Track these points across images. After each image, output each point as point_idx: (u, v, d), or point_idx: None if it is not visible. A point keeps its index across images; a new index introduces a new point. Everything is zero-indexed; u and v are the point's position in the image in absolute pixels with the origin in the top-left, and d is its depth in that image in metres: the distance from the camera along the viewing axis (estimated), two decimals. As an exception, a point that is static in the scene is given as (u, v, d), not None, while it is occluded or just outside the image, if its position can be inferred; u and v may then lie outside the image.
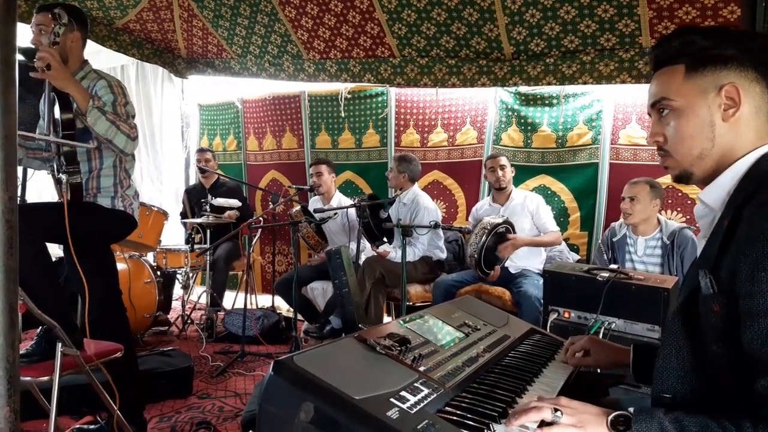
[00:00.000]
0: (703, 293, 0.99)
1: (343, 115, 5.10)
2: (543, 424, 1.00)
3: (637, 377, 1.35)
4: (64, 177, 2.17)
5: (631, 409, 0.96)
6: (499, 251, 3.61)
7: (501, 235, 3.60)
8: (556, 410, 0.98)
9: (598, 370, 1.55)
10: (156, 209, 4.16)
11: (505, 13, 3.54)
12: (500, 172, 3.85)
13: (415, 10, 3.73)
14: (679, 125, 1.09)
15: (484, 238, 3.46)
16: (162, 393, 3.03)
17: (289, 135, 5.45)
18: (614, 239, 3.34)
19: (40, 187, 3.98)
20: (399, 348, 1.20)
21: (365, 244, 4.22)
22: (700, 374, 1.01)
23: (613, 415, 0.97)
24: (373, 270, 3.95)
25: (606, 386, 1.56)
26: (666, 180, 3.81)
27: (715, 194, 1.08)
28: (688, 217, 3.79)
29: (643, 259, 3.21)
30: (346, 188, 5.13)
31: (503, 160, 3.88)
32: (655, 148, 1.17)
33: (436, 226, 3.43)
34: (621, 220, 3.35)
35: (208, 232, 4.60)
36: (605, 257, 3.33)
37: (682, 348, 1.03)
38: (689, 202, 3.78)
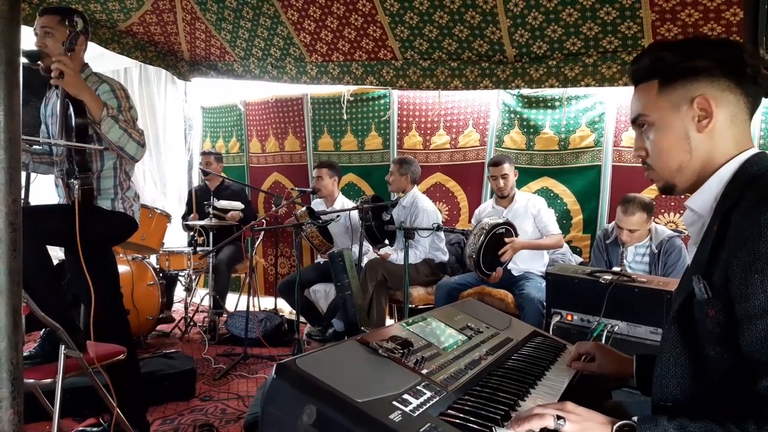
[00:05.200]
0: (698, 299, 1.00)
1: (345, 117, 5.11)
2: (546, 431, 0.99)
3: (641, 388, 1.34)
4: (77, 183, 2.17)
5: (635, 418, 0.96)
6: (500, 256, 3.60)
7: (500, 236, 3.58)
8: (559, 417, 0.98)
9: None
10: (159, 211, 4.17)
11: (507, 16, 3.54)
12: (502, 182, 3.81)
13: (418, 13, 3.73)
14: (657, 139, 1.12)
15: (482, 238, 3.44)
16: (165, 395, 3.03)
17: (292, 137, 5.46)
18: (607, 242, 3.35)
19: (43, 190, 3.99)
20: (401, 351, 1.20)
21: (367, 246, 4.22)
22: (698, 380, 1.02)
23: (618, 424, 0.97)
24: (375, 272, 3.95)
25: (609, 389, 1.55)
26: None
27: (703, 200, 1.09)
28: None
29: (632, 265, 3.22)
30: (349, 190, 5.13)
31: (506, 168, 3.80)
32: (640, 162, 1.19)
33: (438, 228, 3.42)
34: (614, 222, 3.36)
35: (211, 234, 4.60)
36: (603, 258, 3.34)
37: (680, 355, 1.04)
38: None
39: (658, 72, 1.11)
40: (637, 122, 1.16)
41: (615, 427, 0.97)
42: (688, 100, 1.07)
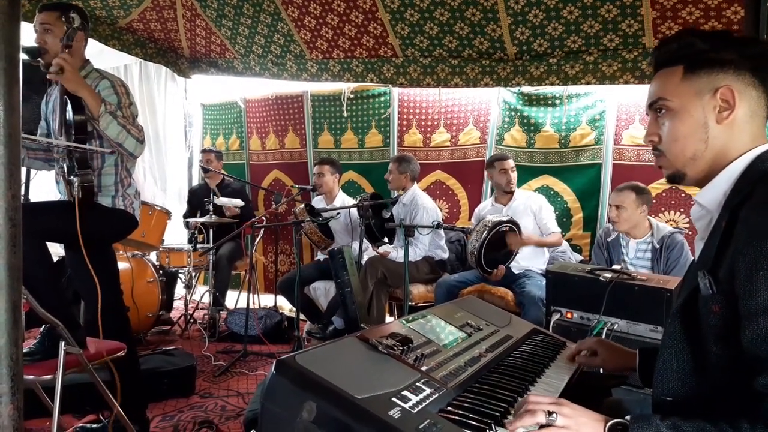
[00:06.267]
0: (703, 294, 0.99)
1: (345, 114, 5.11)
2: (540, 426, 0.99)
3: (644, 381, 1.34)
4: (76, 180, 2.17)
5: (628, 417, 0.96)
6: (508, 238, 3.58)
7: (503, 234, 3.58)
8: (550, 413, 0.98)
9: (601, 371, 1.54)
10: (159, 208, 4.17)
11: (508, 14, 3.54)
12: (512, 174, 3.86)
13: (418, 10, 3.73)
14: (673, 125, 1.10)
15: (485, 234, 3.44)
16: (165, 392, 3.03)
17: (292, 135, 5.46)
18: (609, 239, 3.35)
19: (44, 186, 3.99)
20: (401, 348, 1.20)
21: (367, 244, 4.22)
22: (700, 376, 1.01)
23: (612, 422, 0.97)
24: (375, 270, 3.95)
25: (608, 387, 1.55)
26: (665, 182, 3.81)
27: (711, 195, 1.08)
28: (691, 218, 3.78)
29: (633, 261, 3.22)
30: (349, 188, 5.13)
31: (512, 162, 3.89)
32: (651, 147, 1.17)
33: (438, 226, 3.42)
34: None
35: (211, 231, 4.61)
36: (603, 256, 3.34)
37: (682, 350, 1.03)
38: (691, 203, 3.76)
39: (684, 58, 1.09)
40: (655, 106, 1.14)
41: (608, 425, 0.97)
42: (711, 89, 1.06)
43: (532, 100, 4.33)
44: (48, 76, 2.16)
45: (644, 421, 0.94)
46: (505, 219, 3.59)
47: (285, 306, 4.93)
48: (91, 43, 2.57)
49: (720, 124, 1.06)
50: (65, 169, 2.28)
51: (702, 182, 1.11)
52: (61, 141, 2.24)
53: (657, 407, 1.06)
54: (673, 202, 3.84)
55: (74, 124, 2.17)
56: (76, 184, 2.16)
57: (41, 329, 2.11)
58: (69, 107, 2.17)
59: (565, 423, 0.97)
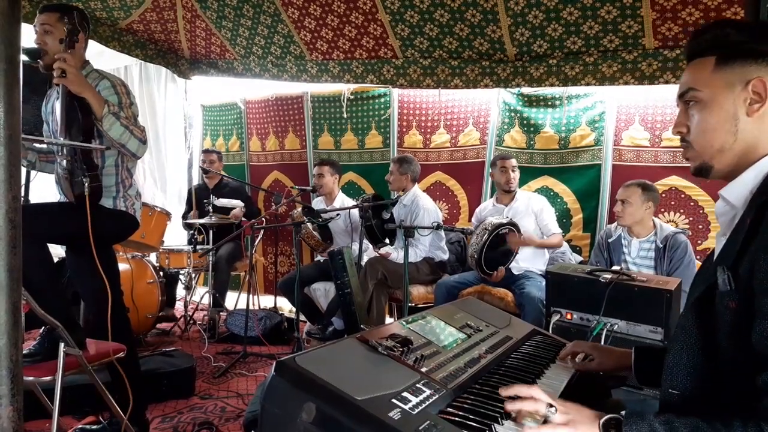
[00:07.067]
0: (721, 290, 0.99)
1: (345, 116, 5.11)
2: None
3: (639, 379, 1.35)
4: (86, 181, 2.17)
5: (623, 412, 0.97)
6: (508, 241, 3.60)
7: (503, 236, 3.58)
8: (550, 405, 1.00)
9: (600, 372, 1.54)
10: (159, 210, 4.17)
11: (508, 15, 3.54)
12: (512, 174, 3.88)
13: (418, 12, 3.73)
14: (703, 117, 1.09)
15: (485, 237, 3.45)
16: (164, 393, 3.03)
17: (292, 136, 5.46)
18: (610, 240, 3.35)
19: (45, 189, 3.99)
20: (401, 349, 1.20)
21: (367, 245, 4.22)
22: (709, 371, 1.01)
23: (605, 418, 0.98)
24: (375, 271, 3.95)
25: (608, 387, 1.55)
26: (667, 182, 3.81)
27: (738, 192, 1.07)
28: (691, 218, 3.78)
29: (636, 261, 3.22)
30: (349, 189, 5.13)
31: (514, 162, 3.92)
32: (678, 139, 1.16)
33: (438, 227, 3.43)
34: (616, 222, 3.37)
35: (211, 232, 4.61)
36: (603, 257, 3.34)
37: (694, 344, 1.03)
38: (692, 204, 3.78)
39: (717, 48, 1.08)
40: (685, 97, 1.13)
41: (602, 420, 0.98)
42: (743, 81, 1.05)
43: (531, 101, 4.33)
44: (54, 81, 2.16)
45: (638, 417, 0.95)
46: (504, 221, 3.60)
47: (285, 307, 4.93)
48: (92, 44, 2.57)
49: (750, 116, 1.05)
50: (68, 170, 2.28)
51: (729, 176, 1.09)
52: (64, 141, 2.23)
53: (664, 401, 1.06)
54: (673, 203, 3.84)
55: (82, 127, 2.17)
56: (87, 185, 2.16)
57: (41, 330, 2.11)
58: (77, 110, 2.17)
59: (562, 418, 0.99)
